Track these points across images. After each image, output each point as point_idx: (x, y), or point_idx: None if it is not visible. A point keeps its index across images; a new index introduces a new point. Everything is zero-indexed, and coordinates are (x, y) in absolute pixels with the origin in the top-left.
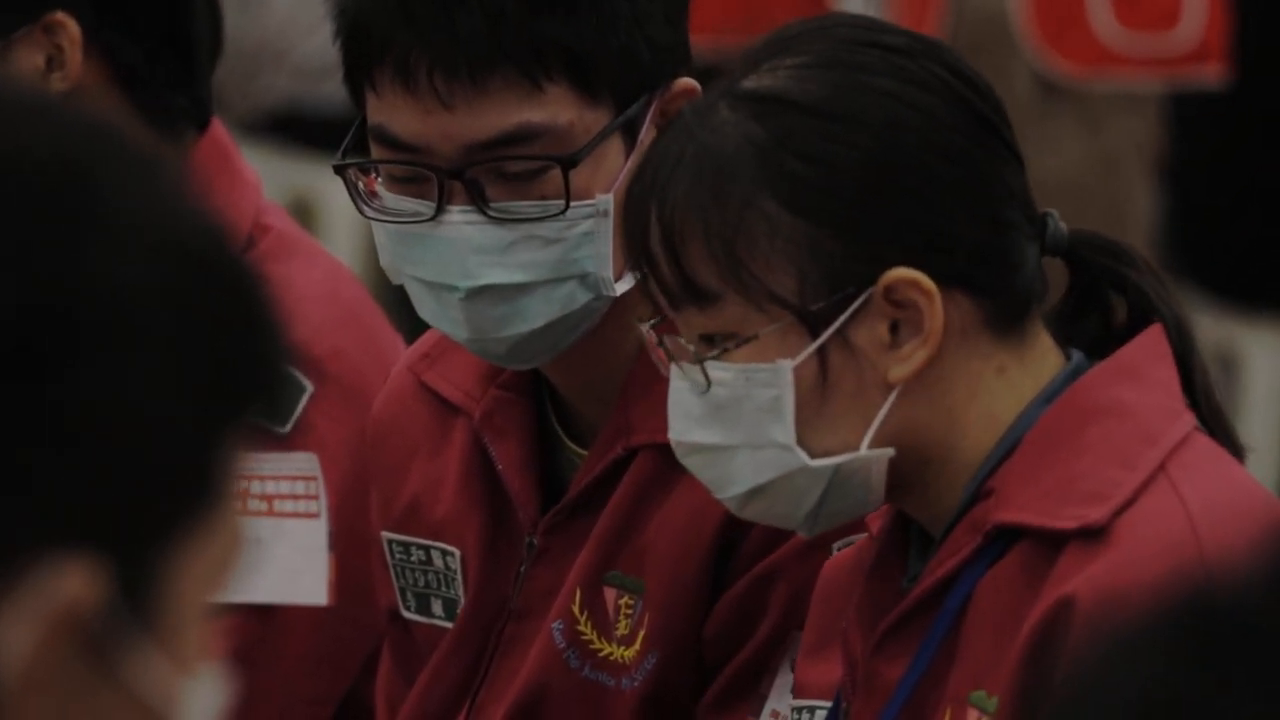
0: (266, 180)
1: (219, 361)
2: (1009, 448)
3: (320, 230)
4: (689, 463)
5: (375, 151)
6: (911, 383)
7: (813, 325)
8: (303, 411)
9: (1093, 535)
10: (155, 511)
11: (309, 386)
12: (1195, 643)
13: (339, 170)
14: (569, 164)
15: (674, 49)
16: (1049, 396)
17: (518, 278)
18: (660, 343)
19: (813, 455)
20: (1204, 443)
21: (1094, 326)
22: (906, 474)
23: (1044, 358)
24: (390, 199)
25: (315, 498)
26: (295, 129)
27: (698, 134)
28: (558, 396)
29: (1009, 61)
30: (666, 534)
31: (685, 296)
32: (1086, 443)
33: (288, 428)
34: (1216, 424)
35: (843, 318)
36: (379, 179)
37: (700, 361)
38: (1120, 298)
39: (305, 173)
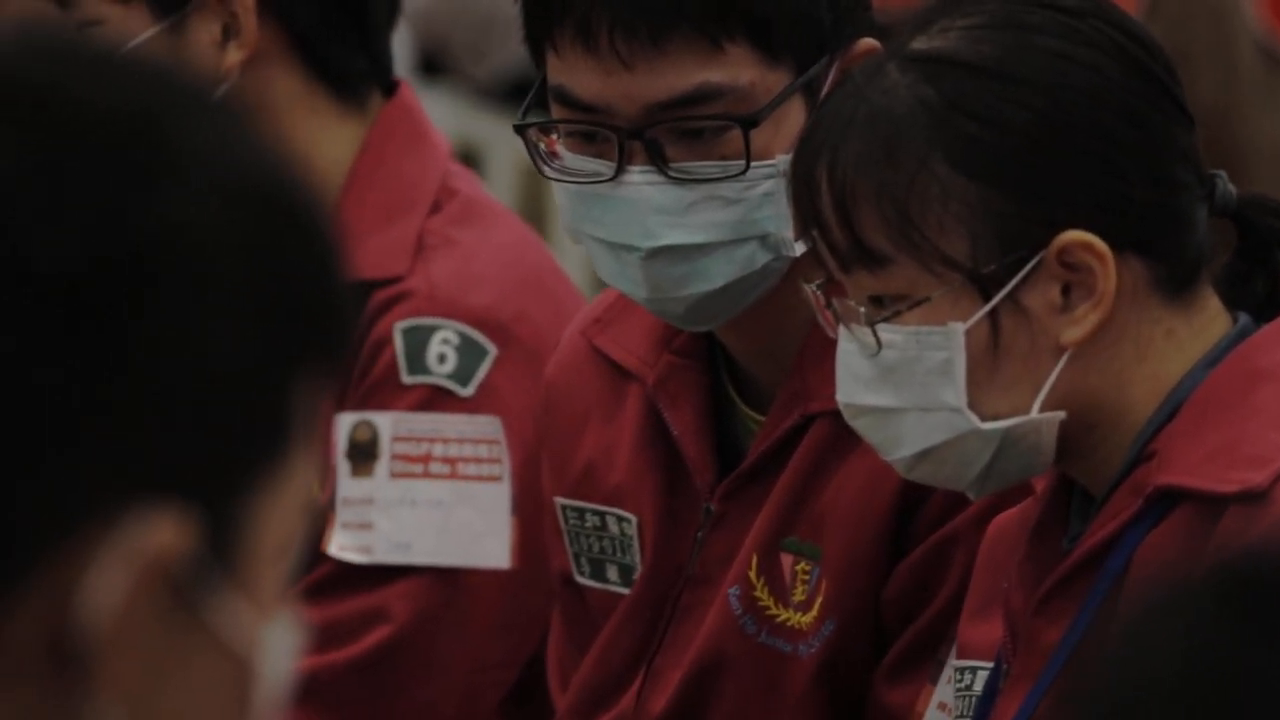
0: (501, 146)
1: (291, 304)
2: (1172, 410)
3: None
4: (857, 425)
5: (556, 112)
6: (1082, 345)
7: (985, 288)
8: (486, 375)
9: (1255, 499)
10: (237, 458)
11: (493, 349)
12: (1242, 603)
13: (519, 130)
14: (749, 124)
15: (854, 9)
16: (1214, 359)
17: (698, 238)
18: (829, 305)
19: (983, 418)
20: None
21: (1261, 289)
22: (1075, 438)
23: (1213, 321)
24: (571, 159)
25: (498, 461)
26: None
27: (868, 95)
28: (732, 361)
29: (1232, 31)
30: (844, 500)
31: (856, 258)
32: (1251, 406)
33: (471, 391)
34: None
35: (1015, 280)
36: (559, 139)
37: (871, 324)
38: None
39: None
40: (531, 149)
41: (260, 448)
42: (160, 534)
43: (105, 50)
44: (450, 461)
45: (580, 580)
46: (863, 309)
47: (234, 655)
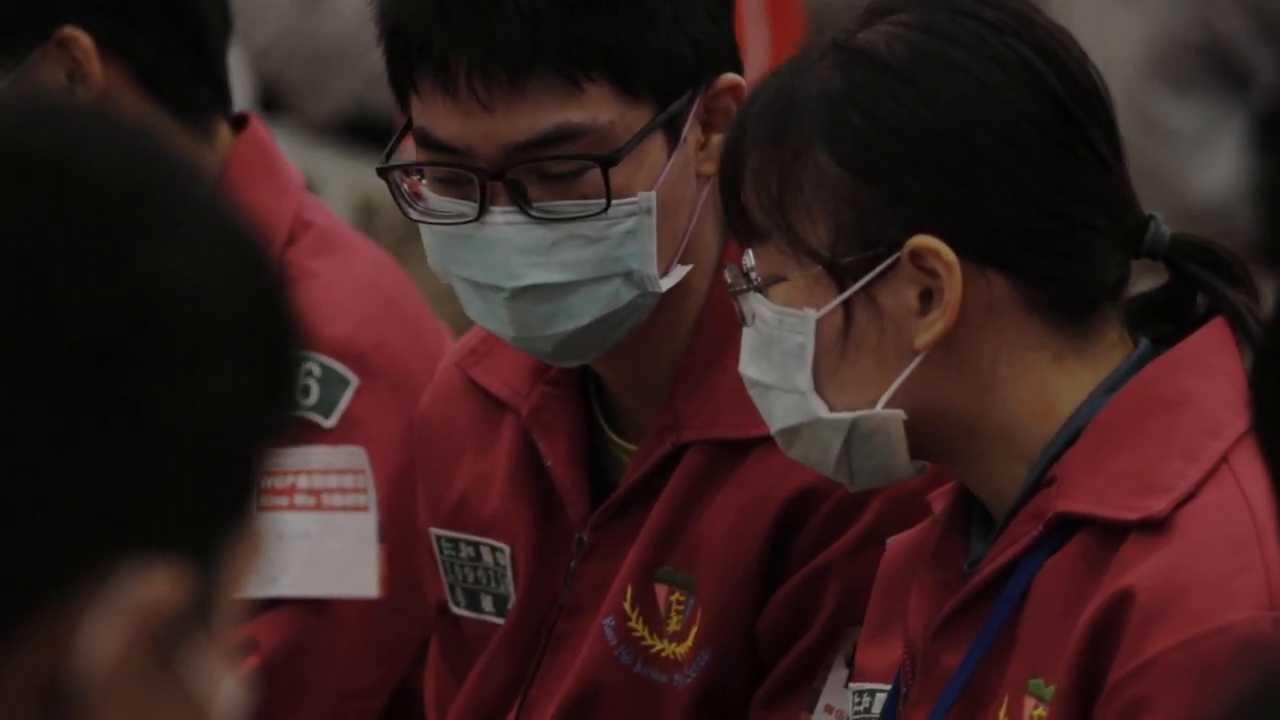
0: (335, 182)
1: (273, 360)
2: (1071, 436)
3: (383, 232)
4: (751, 394)
5: (420, 154)
6: (939, 351)
7: (840, 279)
8: (349, 405)
9: (1154, 527)
10: (221, 512)
11: (354, 380)
12: None
13: (382, 173)
14: (608, 163)
15: (717, 45)
16: (1113, 385)
17: (561, 277)
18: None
19: (831, 407)
20: None
21: (1170, 322)
22: (947, 439)
23: (1110, 351)
24: (435, 201)
25: (364, 491)
26: (364, 131)
27: (790, 74)
28: (604, 392)
29: None
30: (718, 530)
31: (740, 228)
32: (1149, 433)
33: (334, 422)
34: None
35: (869, 276)
36: (424, 181)
37: (745, 291)
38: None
39: (373, 174)
40: (395, 191)
41: (235, 503)
42: (156, 587)
43: (76, 107)
44: (315, 493)
45: (455, 610)
46: (748, 279)
47: (197, 707)
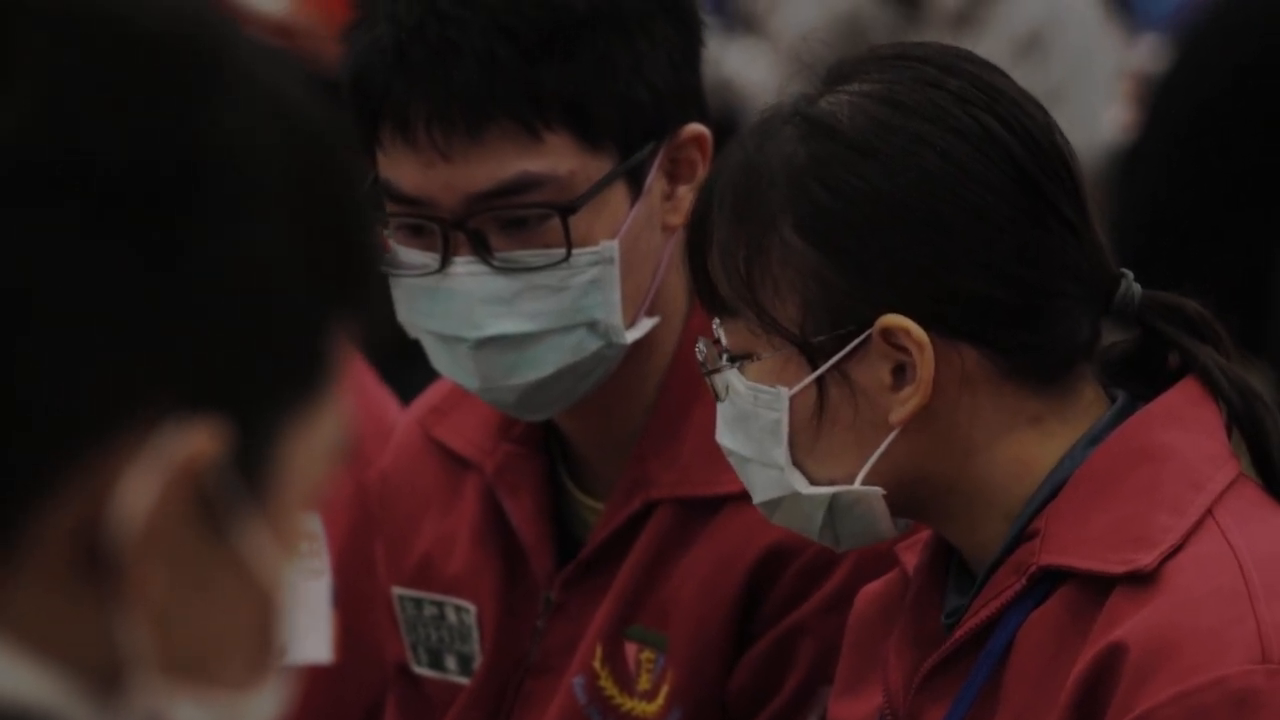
0: None
1: (331, 238)
2: (1052, 490)
3: None
4: (729, 461)
5: (387, 207)
6: (915, 423)
7: (812, 357)
8: None
9: (1141, 580)
10: (273, 380)
11: None
12: None
13: None
14: (567, 211)
15: (682, 95)
16: (1093, 438)
17: (525, 327)
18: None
19: (812, 481)
20: (1251, 489)
21: (1144, 378)
22: (926, 500)
23: (1088, 409)
24: (402, 253)
25: (317, 556)
26: None
27: (754, 142)
28: (569, 449)
29: None
30: (689, 588)
31: (709, 301)
32: (1132, 486)
33: None
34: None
35: (840, 354)
36: (389, 234)
37: (717, 370)
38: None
39: None
40: None
41: (296, 376)
42: (194, 441)
43: None
44: None
45: (417, 670)
46: (722, 354)
47: (257, 585)
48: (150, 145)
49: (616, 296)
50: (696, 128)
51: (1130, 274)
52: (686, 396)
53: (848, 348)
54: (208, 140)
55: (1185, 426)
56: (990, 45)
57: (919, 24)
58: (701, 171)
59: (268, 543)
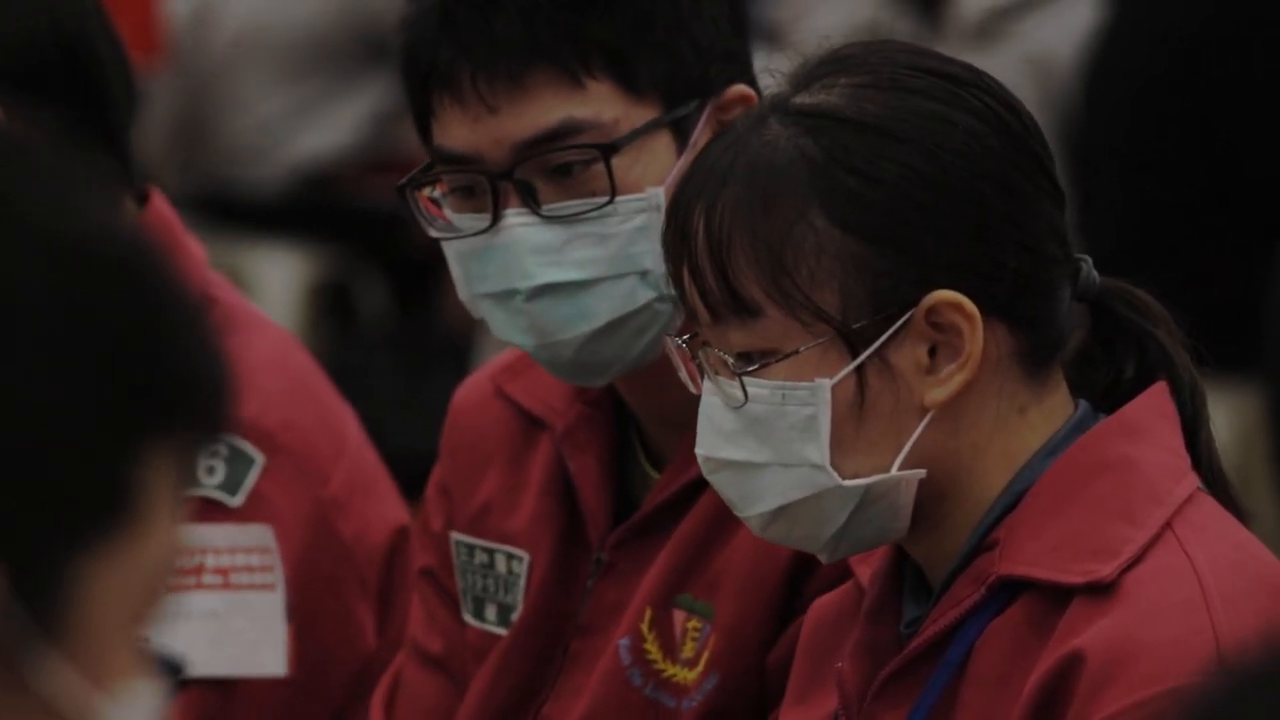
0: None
1: (132, 370)
2: (1013, 499)
3: None
4: (715, 479)
5: (440, 172)
6: (945, 408)
7: (853, 344)
8: (255, 484)
9: (1100, 591)
10: (58, 523)
11: (260, 459)
12: None
13: (400, 192)
14: (609, 151)
15: (727, 56)
16: (1053, 449)
17: (575, 275)
18: (695, 357)
19: (844, 476)
20: (1209, 503)
21: (1104, 378)
22: (927, 505)
23: (1063, 404)
24: (456, 219)
25: (271, 569)
26: (225, 208)
27: (749, 145)
28: (638, 419)
29: None
30: (738, 562)
31: (728, 309)
32: (1092, 498)
33: (240, 501)
34: (1220, 487)
35: (883, 337)
36: (443, 200)
37: (739, 375)
38: (1133, 353)
39: (234, 251)
40: (416, 209)
41: (91, 514)
42: None
43: None
44: (223, 572)
45: (466, 619)
46: (730, 360)
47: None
48: None
49: None
50: (743, 88)
51: (1089, 259)
52: None
53: (892, 329)
54: None
55: (1145, 440)
56: (1004, 62)
57: (938, 36)
58: None
59: (72, 679)
